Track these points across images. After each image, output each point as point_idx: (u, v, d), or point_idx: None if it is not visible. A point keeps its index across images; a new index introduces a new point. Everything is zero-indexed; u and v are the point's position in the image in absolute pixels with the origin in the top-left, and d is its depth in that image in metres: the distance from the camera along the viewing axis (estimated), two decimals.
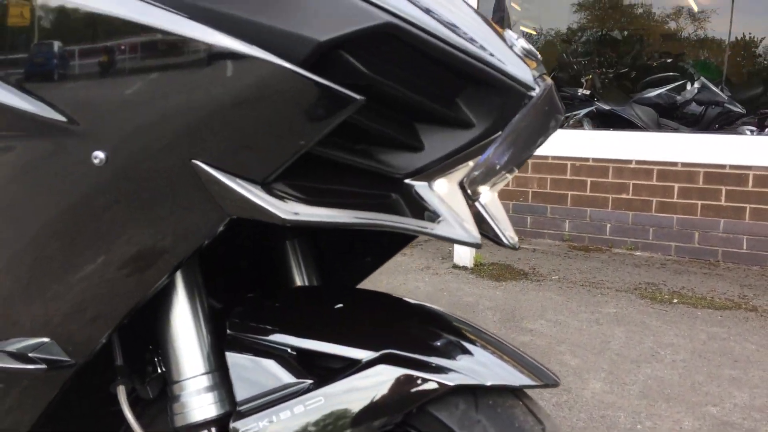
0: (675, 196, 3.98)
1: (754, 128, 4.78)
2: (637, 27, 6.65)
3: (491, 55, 0.65)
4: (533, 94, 0.68)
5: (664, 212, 4.02)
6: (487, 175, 0.74)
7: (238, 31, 0.59)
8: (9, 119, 0.65)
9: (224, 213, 0.63)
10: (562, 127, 5.42)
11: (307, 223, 0.63)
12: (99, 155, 0.62)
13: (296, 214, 0.62)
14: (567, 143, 4.10)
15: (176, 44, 0.59)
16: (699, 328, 2.83)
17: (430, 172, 0.70)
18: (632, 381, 2.28)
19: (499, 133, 0.69)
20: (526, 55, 0.74)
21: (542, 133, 0.76)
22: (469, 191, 0.74)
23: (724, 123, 5.01)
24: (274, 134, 0.61)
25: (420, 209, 0.69)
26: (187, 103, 0.60)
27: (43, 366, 0.70)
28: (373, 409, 0.69)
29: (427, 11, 0.63)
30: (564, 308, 3.05)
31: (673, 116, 5.13)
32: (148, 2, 0.61)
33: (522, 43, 0.75)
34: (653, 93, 5.13)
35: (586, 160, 4.21)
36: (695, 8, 6.55)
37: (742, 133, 4.59)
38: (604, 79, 5.85)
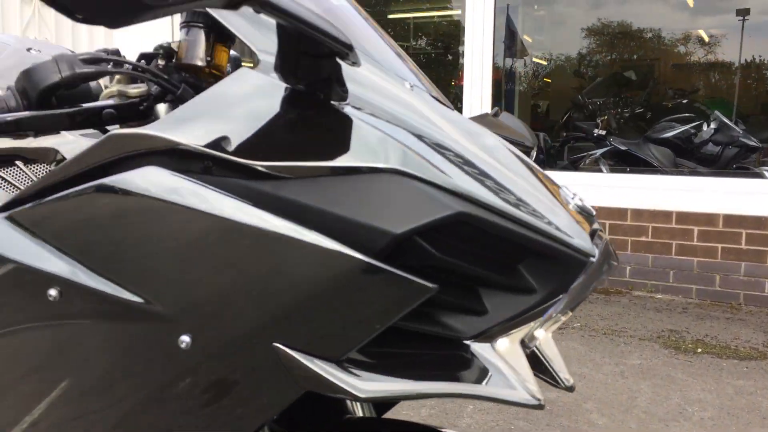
0: (695, 239, 3.98)
1: None
2: (647, 53, 6.69)
3: (557, 228, 0.68)
4: (593, 260, 0.71)
5: (684, 255, 4.01)
6: (545, 324, 0.77)
7: (316, 222, 0.62)
8: (91, 301, 0.68)
9: (300, 388, 0.66)
10: (577, 168, 5.36)
11: (381, 399, 0.66)
12: (185, 339, 0.64)
13: (370, 391, 0.65)
14: (584, 186, 4.11)
15: (258, 236, 0.62)
16: (725, 381, 2.82)
17: (492, 333, 0.73)
18: None
19: (561, 296, 0.72)
20: (580, 212, 0.77)
21: (597, 279, 0.79)
22: (526, 340, 0.77)
23: (740, 159, 5.02)
24: (352, 320, 0.63)
25: (484, 372, 0.71)
26: (270, 292, 0.62)
27: None
28: None
29: (493, 187, 0.66)
30: (588, 359, 3.05)
31: (690, 156, 5.15)
32: (225, 194, 0.63)
33: (577, 201, 0.78)
34: (670, 133, 5.15)
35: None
36: (706, 38, 6.59)
37: (760, 174, 4.58)
38: (619, 119, 5.88)
